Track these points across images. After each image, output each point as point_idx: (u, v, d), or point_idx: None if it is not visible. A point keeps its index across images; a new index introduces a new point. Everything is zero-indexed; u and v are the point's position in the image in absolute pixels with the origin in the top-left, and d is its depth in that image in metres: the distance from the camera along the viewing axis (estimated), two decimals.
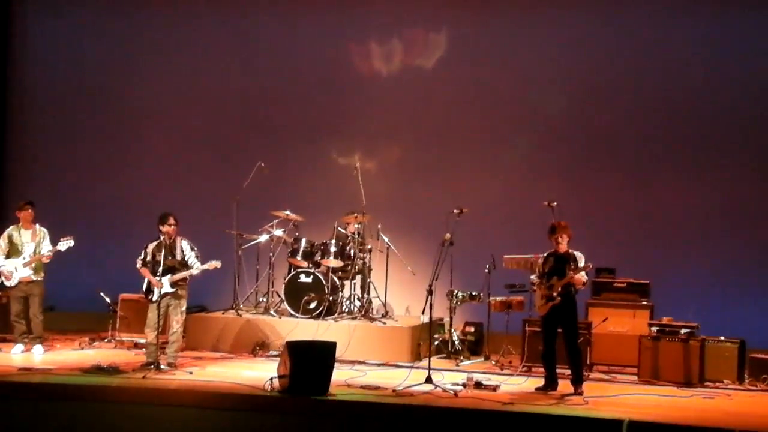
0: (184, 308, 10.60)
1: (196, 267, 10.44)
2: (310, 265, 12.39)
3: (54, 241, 11.39)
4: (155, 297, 10.42)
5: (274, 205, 12.81)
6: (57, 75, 15.12)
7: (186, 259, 10.53)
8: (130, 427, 9.07)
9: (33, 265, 11.38)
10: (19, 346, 11.41)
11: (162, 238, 10.50)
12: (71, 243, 11.19)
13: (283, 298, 12.31)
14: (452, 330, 12.01)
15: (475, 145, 13.80)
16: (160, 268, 10.34)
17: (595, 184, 13.33)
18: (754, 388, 10.44)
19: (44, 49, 15.17)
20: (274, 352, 11.42)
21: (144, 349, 10.79)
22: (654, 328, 10.88)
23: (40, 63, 15.17)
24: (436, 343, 11.87)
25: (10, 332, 11.74)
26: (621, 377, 10.87)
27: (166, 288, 10.38)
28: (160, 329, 10.37)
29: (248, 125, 14.52)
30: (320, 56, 14.35)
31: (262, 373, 10.04)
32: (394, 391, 9.50)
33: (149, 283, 10.51)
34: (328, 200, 13.73)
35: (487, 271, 11.92)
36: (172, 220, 10.49)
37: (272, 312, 12.30)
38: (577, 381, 9.75)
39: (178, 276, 10.43)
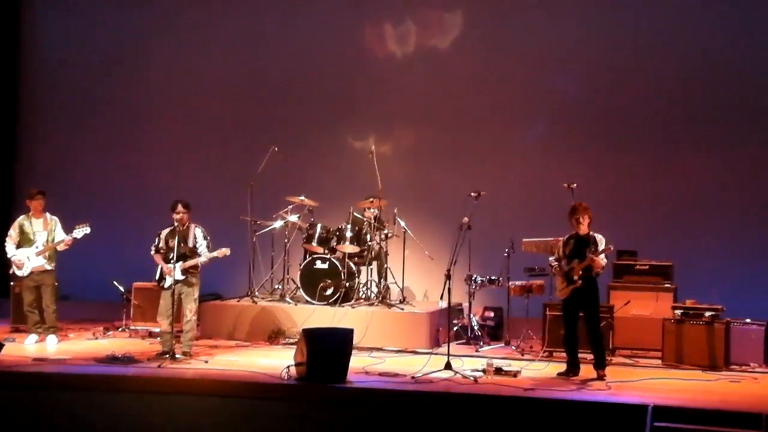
0: (196, 296, 10.58)
1: (204, 255, 10.43)
2: (326, 251, 12.35)
3: (67, 229, 11.35)
4: (167, 284, 10.42)
5: (288, 191, 12.77)
6: (69, 59, 15.10)
7: (197, 246, 10.51)
8: (146, 416, 9.06)
9: (46, 254, 11.35)
10: (33, 337, 11.41)
11: (176, 224, 10.48)
12: (87, 230, 11.15)
13: (299, 284, 12.29)
14: (471, 315, 11.97)
15: (491, 126, 13.72)
16: (173, 255, 10.32)
17: (614, 164, 13.24)
18: None
19: (56, 32, 15.17)
20: (291, 340, 11.42)
21: (159, 338, 10.80)
22: (677, 311, 10.78)
23: (53, 47, 15.17)
24: (455, 328, 11.81)
25: (23, 323, 11.76)
26: (644, 361, 10.77)
27: (178, 275, 10.37)
28: (173, 317, 10.35)
29: (262, 109, 14.49)
30: (334, 38, 14.29)
31: (278, 361, 10.03)
32: (413, 378, 9.47)
33: (162, 270, 10.52)
34: (343, 185, 13.72)
35: (506, 254, 11.86)
36: (180, 208, 10.48)
37: (288, 299, 12.28)
38: (600, 366, 9.69)
39: (189, 263, 10.41)
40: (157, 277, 10.61)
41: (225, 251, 10.46)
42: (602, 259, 9.65)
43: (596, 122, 13.36)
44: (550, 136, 13.51)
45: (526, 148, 13.61)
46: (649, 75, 13.19)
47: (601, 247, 9.65)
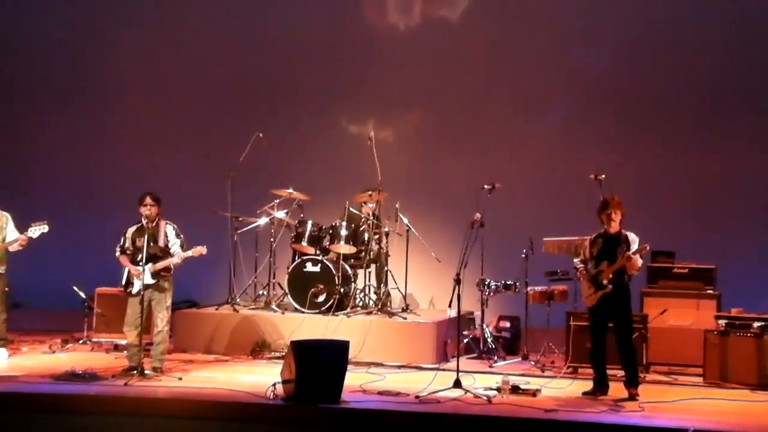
0: (169, 303, 10.54)
1: (177, 255, 10.39)
2: (318, 252, 12.33)
3: (21, 228, 11.26)
4: (135, 289, 10.37)
5: (274, 183, 12.75)
6: (25, 42, 15.08)
7: (169, 246, 10.48)
8: None
9: None
10: None
11: (143, 221, 10.44)
12: (45, 229, 11.08)
13: (287, 290, 12.26)
14: (484, 325, 11.94)
15: (507, 109, 13.73)
16: (142, 256, 10.28)
17: (648, 151, 13.25)
18: None
19: (10, 14, 15.14)
20: (277, 354, 11.40)
21: (125, 352, 10.73)
22: (721, 321, 10.74)
23: (7, 27, 15.14)
24: (465, 340, 11.81)
25: None
26: (683, 379, 10.75)
27: (147, 279, 10.32)
28: (141, 327, 10.31)
29: (244, 90, 14.49)
30: (327, 8, 14.30)
31: (263, 377, 9.99)
32: (417, 397, 9.43)
33: (128, 273, 10.47)
34: (337, 176, 13.72)
35: (524, 256, 11.84)
36: (149, 200, 10.45)
37: (274, 307, 12.26)
38: (632, 384, 9.65)
39: (160, 265, 10.36)
40: (123, 281, 10.56)
41: (201, 250, 10.43)
42: (637, 261, 9.59)
43: (627, 103, 13.36)
44: (574, 119, 13.51)
45: (547, 133, 13.60)
46: (689, 46, 13.18)
47: (635, 246, 9.59)
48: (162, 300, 10.46)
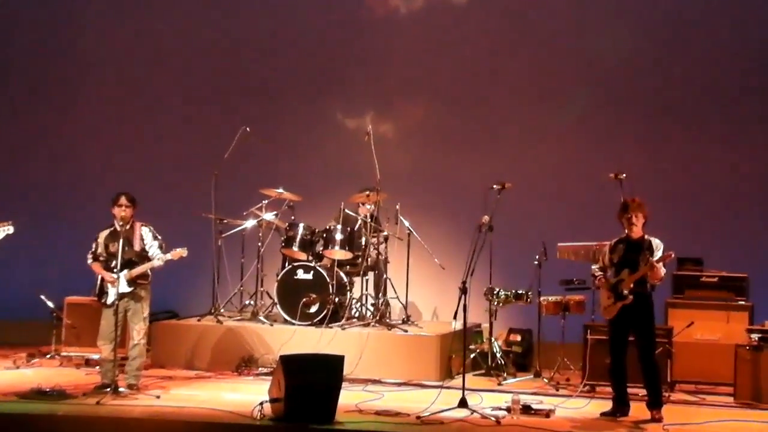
0: (146, 314, 10.51)
1: (158, 258, 10.36)
2: (310, 258, 12.33)
3: None
4: (110, 299, 10.34)
5: (263, 182, 12.73)
6: None
7: (146, 249, 10.46)
8: None
9: None
10: None
11: (116, 224, 10.41)
12: (10, 230, 11.00)
13: (276, 300, 12.26)
14: (492, 339, 11.93)
15: (519, 102, 13.71)
16: (116, 262, 10.23)
17: (674, 151, 13.22)
18: None
19: None
20: (265, 370, 11.40)
21: (98, 367, 10.71)
22: (754, 335, 10.71)
23: None
24: (472, 355, 11.81)
25: None
26: (711, 399, 10.73)
27: (123, 287, 10.30)
28: (116, 340, 10.25)
29: (229, 80, 14.45)
30: None
31: (249, 396, 9.99)
32: (418, 418, 9.42)
33: (102, 281, 10.43)
34: (332, 175, 13.72)
35: (536, 263, 11.83)
36: (124, 201, 10.40)
37: (262, 318, 12.24)
38: (655, 404, 9.61)
39: (138, 271, 10.33)
40: (96, 290, 10.52)
41: (181, 252, 10.39)
42: (661, 269, 9.56)
43: (650, 95, 13.33)
44: (592, 113, 13.48)
45: (563, 128, 13.57)
46: (718, 30, 13.14)
47: (659, 254, 9.56)
48: (139, 310, 10.42)
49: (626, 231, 9.71)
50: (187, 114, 14.49)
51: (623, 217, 9.67)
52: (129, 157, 14.36)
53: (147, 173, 13.89)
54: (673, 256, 9.65)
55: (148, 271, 10.41)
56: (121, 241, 10.26)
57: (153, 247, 10.47)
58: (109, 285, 10.35)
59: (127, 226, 10.40)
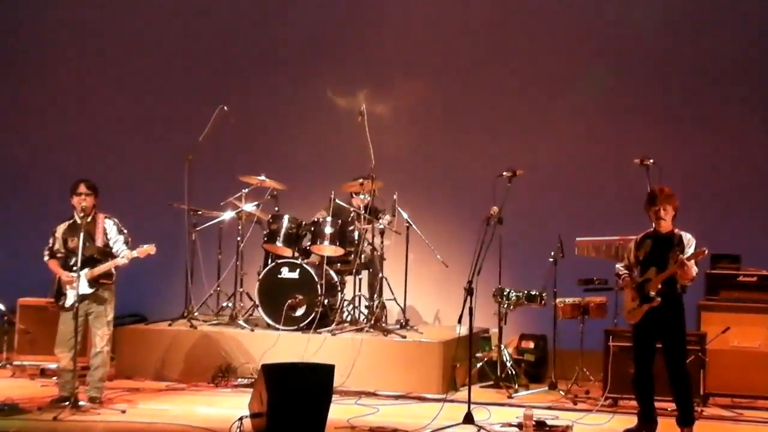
0: (110, 317, 10.48)
1: (123, 255, 10.33)
2: (296, 254, 12.33)
3: None
4: (69, 301, 10.29)
5: (242, 168, 12.72)
6: None
7: (110, 244, 10.43)
8: None
9: None
10: None
11: (76, 216, 10.37)
12: None
13: (257, 301, 12.26)
14: (502, 346, 11.93)
15: (532, 80, 13.72)
16: (76, 259, 10.19)
17: (708, 134, 13.20)
18: None
19: None
20: (245, 381, 11.43)
21: (55, 378, 10.70)
22: None
23: None
24: (479, 364, 11.84)
25: None
26: (750, 414, 10.73)
27: (83, 288, 10.26)
28: (76, 348, 10.21)
29: (205, 55, 14.48)
30: None
31: (227, 410, 10.01)
32: None
33: (60, 281, 10.38)
34: (321, 160, 13.76)
35: (552, 260, 11.83)
36: (83, 189, 10.37)
37: (241, 322, 12.25)
38: (686, 420, 9.58)
39: (100, 269, 10.30)
40: (53, 291, 10.48)
41: (148, 249, 10.36)
42: (693, 267, 9.54)
43: (683, 73, 13.33)
44: (615, 91, 13.47)
45: (582, 107, 13.59)
46: (761, 7, 13.11)
47: (690, 250, 9.53)
48: (101, 314, 10.40)
49: (654, 225, 9.70)
50: (157, 91, 14.50)
51: (650, 209, 9.64)
52: (90, 140, 14.40)
53: (110, 158, 13.95)
54: (706, 252, 9.58)
55: (113, 269, 10.38)
56: (81, 235, 10.20)
57: (118, 243, 10.43)
58: (67, 285, 10.31)
59: (89, 219, 10.36)
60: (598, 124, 13.47)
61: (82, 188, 10.35)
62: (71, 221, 10.42)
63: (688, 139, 13.13)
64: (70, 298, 10.27)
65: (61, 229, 10.46)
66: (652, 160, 11.24)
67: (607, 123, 13.41)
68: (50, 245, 10.47)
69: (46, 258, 10.49)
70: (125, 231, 10.52)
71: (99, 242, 10.38)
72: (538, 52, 13.71)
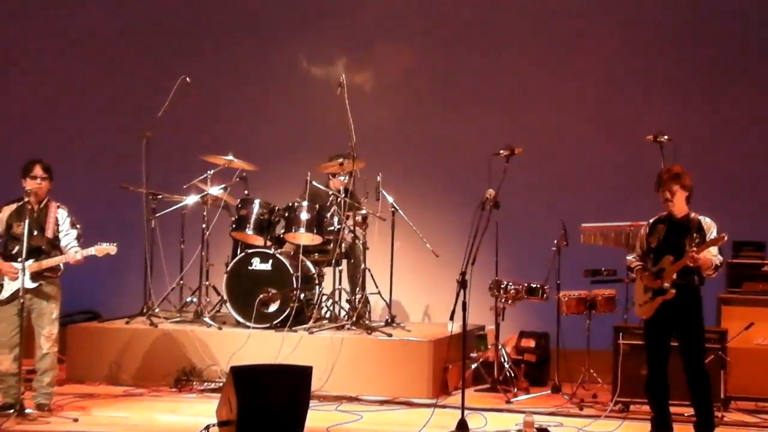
0: (55, 315, 10.44)
1: (74, 252, 10.29)
2: (269, 243, 12.36)
3: None
4: (6, 293, 10.25)
5: (207, 146, 12.77)
6: None
7: (60, 236, 10.40)
8: None
9: None
10: None
11: (26, 200, 10.33)
12: None
13: (225, 296, 12.29)
14: (499, 345, 11.97)
15: (532, 45, 13.75)
16: (21, 248, 10.12)
17: (730, 108, 13.25)
18: None
19: None
20: (211, 385, 11.49)
21: None
22: None
23: None
24: (473, 366, 11.88)
25: None
26: None
27: (27, 281, 10.18)
28: (20, 348, 10.22)
29: (164, 20, 14.48)
30: None
31: (191, 417, 10.07)
32: None
33: None
34: (295, 138, 13.79)
35: (554, 249, 11.87)
36: (38, 170, 10.32)
37: (207, 319, 12.27)
38: (705, 426, 9.60)
39: (48, 263, 10.28)
40: None
41: (108, 249, 10.35)
42: (713, 256, 9.56)
43: (700, 39, 13.35)
44: (626, 60, 13.52)
45: (589, 78, 13.61)
46: None
47: (711, 236, 9.56)
48: (46, 311, 10.36)
49: (666, 208, 9.70)
50: (109, 62, 14.49)
51: (658, 191, 9.65)
52: (34, 117, 14.41)
53: (57, 136, 13.94)
54: (726, 239, 9.60)
55: (62, 263, 10.36)
56: (26, 222, 10.14)
57: (68, 237, 10.40)
58: (7, 277, 10.24)
59: (40, 205, 10.37)
60: (607, 96, 13.50)
61: (38, 170, 10.28)
62: (20, 203, 10.33)
63: (707, 114, 13.17)
64: (8, 290, 10.23)
65: (6, 211, 10.38)
66: (666, 137, 11.31)
67: (617, 95, 13.45)
68: None
69: None
70: (78, 226, 10.48)
71: (49, 233, 10.34)
72: (539, 14, 13.73)
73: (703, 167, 10.32)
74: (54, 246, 10.36)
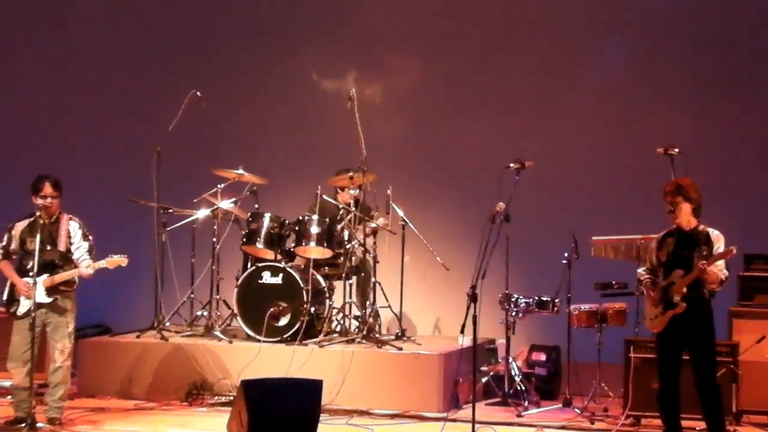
0: (71, 329, 10.48)
1: (86, 266, 10.31)
2: (279, 257, 12.37)
3: None
4: (22, 309, 10.30)
5: (218, 160, 12.78)
6: None
7: (72, 250, 10.41)
8: None
9: None
10: None
11: (38, 215, 10.38)
12: None
13: (236, 310, 12.31)
14: (510, 359, 11.97)
15: (543, 57, 13.76)
16: (33, 263, 10.17)
17: (744, 118, 13.23)
18: None
19: None
20: (222, 399, 11.50)
21: (9, 397, 10.69)
22: None
23: None
24: (484, 379, 11.87)
25: None
26: None
27: (41, 296, 10.24)
28: (32, 362, 10.22)
29: (174, 34, 14.54)
30: None
31: (202, 431, 9.96)
32: None
33: (13, 287, 10.40)
34: (305, 151, 13.81)
35: (565, 262, 11.84)
36: (48, 188, 10.31)
37: (218, 333, 12.29)
38: None
39: (61, 277, 10.30)
40: (4, 297, 10.50)
41: (119, 261, 10.37)
42: (720, 270, 9.58)
43: (714, 47, 13.34)
44: (636, 69, 13.54)
45: (599, 91, 13.61)
46: None
47: (719, 248, 9.58)
48: (61, 325, 10.39)
49: (674, 221, 9.71)
50: (120, 76, 14.52)
51: (665, 202, 9.65)
52: (46, 132, 14.44)
53: (69, 151, 13.93)
54: (734, 252, 9.56)
55: (76, 277, 10.39)
56: (39, 237, 10.20)
57: (81, 249, 10.41)
58: (22, 293, 10.28)
59: (51, 219, 10.39)
60: (617, 109, 13.49)
61: (48, 189, 10.26)
62: (32, 220, 10.39)
63: (719, 126, 13.15)
64: (24, 306, 10.26)
65: (19, 227, 10.43)
66: (677, 150, 11.26)
67: (627, 108, 13.44)
68: (4, 244, 10.44)
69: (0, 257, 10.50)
70: (90, 238, 10.50)
71: (62, 246, 10.36)
72: (551, 26, 13.74)
73: (714, 180, 10.32)
74: (67, 260, 10.37)
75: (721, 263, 9.45)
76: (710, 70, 13.31)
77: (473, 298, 9.94)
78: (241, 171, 12.57)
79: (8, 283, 10.46)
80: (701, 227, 9.61)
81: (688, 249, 9.53)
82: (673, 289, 9.54)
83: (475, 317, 9.96)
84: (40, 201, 10.32)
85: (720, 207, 10.03)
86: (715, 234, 9.55)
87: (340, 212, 12.49)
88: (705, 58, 13.33)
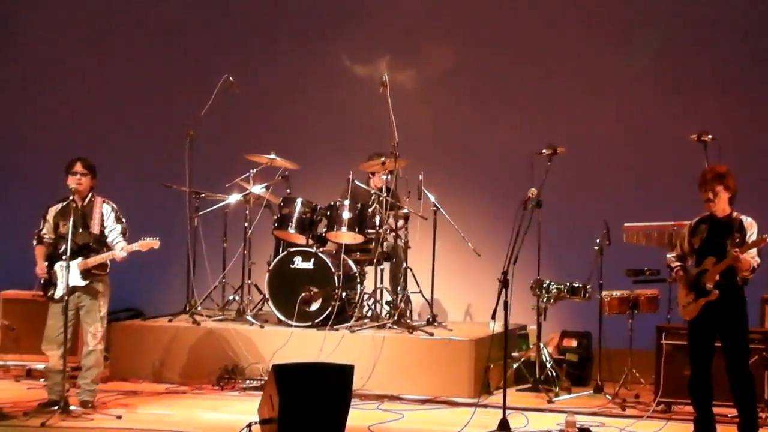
0: (104, 312, 10.51)
1: (120, 248, 10.33)
2: (311, 242, 12.38)
3: None
4: (59, 293, 10.32)
5: (250, 146, 12.78)
6: None
7: (106, 233, 10.45)
8: None
9: None
10: None
11: (71, 197, 10.41)
12: None
13: (267, 294, 12.34)
14: (541, 345, 11.98)
15: (575, 44, 13.71)
16: (66, 246, 10.23)
17: None
18: None
19: None
20: (253, 383, 11.52)
21: (43, 380, 10.77)
22: None
23: None
24: (515, 365, 11.89)
25: None
26: None
27: (75, 279, 10.29)
28: (66, 345, 10.25)
29: (207, 19, 14.54)
30: None
31: (233, 416, 10.09)
32: None
33: (47, 271, 10.41)
34: (337, 137, 13.81)
35: (597, 248, 11.81)
36: (79, 168, 10.38)
37: (249, 317, 12.32)
38: (749, 428, 9.53)
39: (95, 260, 10.33)
40: (40, 281, 10.53)
41: (152, 243, 10.37)
42: (752, 257, 9.54)
43: (748, 32, 13.27)
44: (670, 56, 13.45)
45: (631, 77, 13.55)
46: None
47: (752, 236, 9.53)
48: (94, 308, 10.43)
49: (708, 208, 9.66)
50: (153, 61, 14.56)
51: (700, 191, 9.62)
52: (81, 117, 14.48)
53: (102, 136, 13.95)
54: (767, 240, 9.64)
55: (108, 260, 10.40)
56: (71, 220, 10.21)
57: (114, 232, 10.44)
58: (57, 275, 10.31)
59: (85, 202, 10.42)
60: (650, 94, 13.43)
61: (78, 167, 10.35)
62: (64, 203, 10.42)
63: (752, 112, 13.08)
64: (60, 289, 10.28)
65: (52, 212, 10.47)
66: (710, 136, 11.23)
67: (661, 93, 13.39)
68: (40, 229, 10.48)
69: (35, 243, 10.51)
70: (124, 220, 10.53)
71: (95, 229, 10.39)
72: (583, 11, 13.69)
73: (746, 166, 10.25)
74: (101, 242, 10.41)
75: (753, 251, 9.39)
76: (743, 56, 13.23)
77: (505, 283, 9.95)
78: (273, 156, 12.59)
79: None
80: (734, 214, 9.54)
81: (722, 236, 9.46)
82: (705, 277, 9.49)
83: (506, 303, 9.97)
84: (71, 180, 10.37)
85: (753, 194, 9.96)
86: (748, 221, 9.49)
87: (372, 197, 12.50)
88: (738, 45, 13.25)
